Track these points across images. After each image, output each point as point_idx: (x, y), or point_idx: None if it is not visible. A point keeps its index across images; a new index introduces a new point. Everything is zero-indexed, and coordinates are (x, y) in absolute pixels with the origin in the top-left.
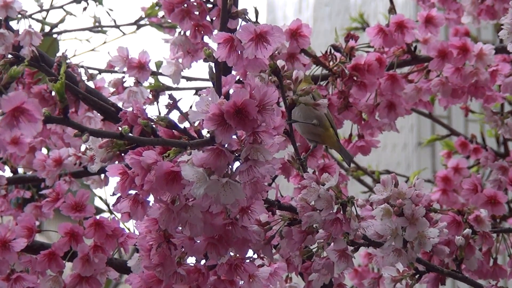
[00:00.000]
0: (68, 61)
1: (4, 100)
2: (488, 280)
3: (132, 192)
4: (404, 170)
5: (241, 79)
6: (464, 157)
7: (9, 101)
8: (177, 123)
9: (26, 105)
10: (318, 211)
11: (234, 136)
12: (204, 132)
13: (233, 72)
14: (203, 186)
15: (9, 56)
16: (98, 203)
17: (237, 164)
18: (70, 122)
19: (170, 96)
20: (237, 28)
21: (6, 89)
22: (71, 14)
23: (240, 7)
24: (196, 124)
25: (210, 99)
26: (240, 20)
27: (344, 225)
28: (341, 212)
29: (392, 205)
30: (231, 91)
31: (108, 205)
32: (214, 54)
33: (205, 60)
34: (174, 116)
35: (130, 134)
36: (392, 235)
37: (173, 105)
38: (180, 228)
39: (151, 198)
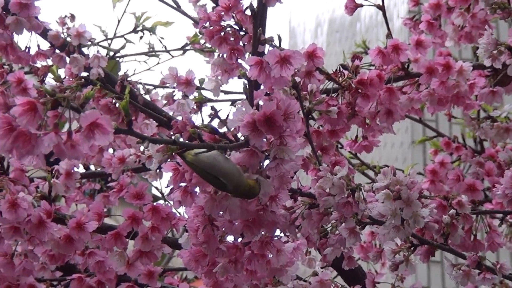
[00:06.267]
0: (128, 79)
1: (82, 117)
2: (470, 252)
3: (183, 184)
4: (401, 164)
5: (268, 92)
6: (448, 154)
7: (86, 118)
8: (218, 129)
9: (100, 120)
10: (332, 196)
11: (264, 139)
12: (239, 135)
13: (262, 87)
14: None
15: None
16: (154, 192)
17: (267, 162)
18: (134, 132)
19: (212, 108)
20: (265, 51)
21: (82, 108)
22: (130, 41)
23: (267, 34)
24: (232, 129)
25: (244, 109)
26: (267, 45)
27: (354, 207)
28: (351, 197)
29: (391, 190)
30: (261, 103)
31: (162, 194)
32: (247, 74)
33: (240, 77)
34: (215, 123)
35: (181, 140)
36: (392, 215)
37: (215, 114)
38: (221, 213)
39: (197, 189)
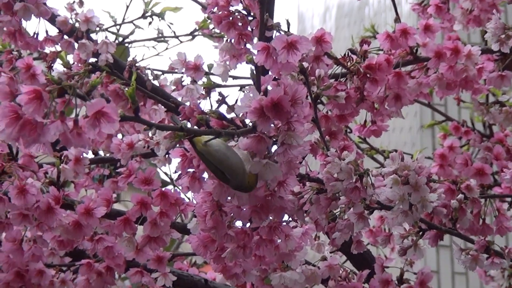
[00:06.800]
0: (137, 64)
1: (88, 106)
2: (478, 236)
3: (191, 170)
4: (409, 148)
5: (276, 77)
6: (457, 138)
7: (92, 106)
8: (225, 115)
9: (106, 109)
10: (340, 181)
11: (271, 125)
12: (247, 121)
13: (269, 73)
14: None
15: (90, 63)
16: (163, 177)
17: (274, 147)
18: (140, 119)
19: (220, 93)
20: (273, 36)
21: (88, 96)
22: (139, 27)
23: (275, 20)
24: (240, 115)
25: (252, 95)
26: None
27: (361, 192)
28: (359, 182)
29: (399, 175)
30: (269, 88)
31: (171, 179)
32: (254, 59)
33: (248, 62)
34: (223, 109)
35: (188, 127)
36: (400, 200)
37: (222, 100)
38: (230, 198)
39: (205, 175)
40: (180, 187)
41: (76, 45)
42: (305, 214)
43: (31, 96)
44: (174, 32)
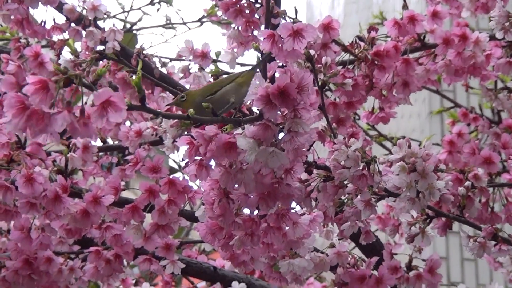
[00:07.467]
0: (145, 52)
1: (95, 96)
2: (487, 224)
3: (198, 158)
4: (418, 135)
5: (283, 64)
6: (466, 125)
7: (99, 96)
8: None
9: (113, 98)
10: (347, 168)
11: (278, 112)
12: (254, 109)
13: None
14: (254, 153)
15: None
16: (172, 164)
17: (281, 135)
18: (147, 108)
19: None
20: (280, 23)
21: (95, 85)
22: (147, 14)
23: (283, 7)
24: (247, 103)
25: (258, 83)
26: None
27: (368, 179)
28: (366, 169)
29: (406, 162)
30: (277, 74)
31: (180, 166)
32: (260, 47)
33: (254, 50)
34: None
35: (194, 115)
36: (407, 187)
37: None
38: (237, 186)
39: (212, 163)
40: (188, 175)
41: (83, 33)
42: (314, 202)
43: (37, 86)
44: (182, 19)
